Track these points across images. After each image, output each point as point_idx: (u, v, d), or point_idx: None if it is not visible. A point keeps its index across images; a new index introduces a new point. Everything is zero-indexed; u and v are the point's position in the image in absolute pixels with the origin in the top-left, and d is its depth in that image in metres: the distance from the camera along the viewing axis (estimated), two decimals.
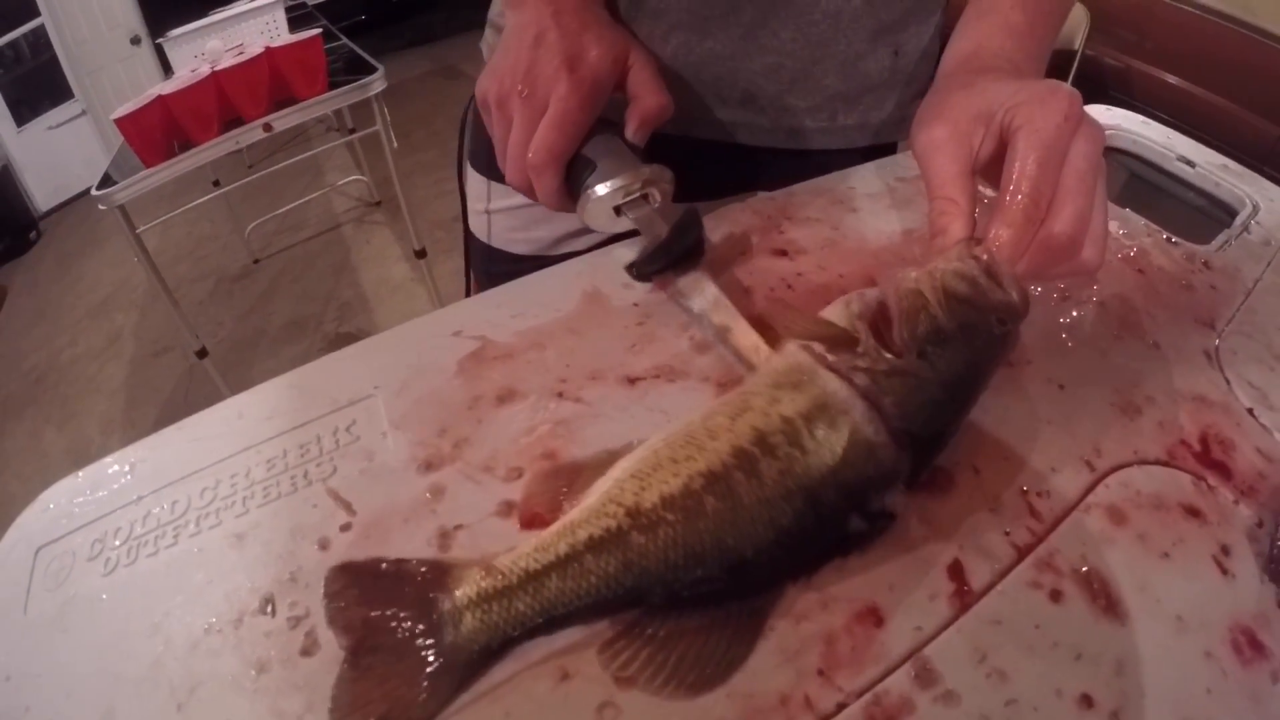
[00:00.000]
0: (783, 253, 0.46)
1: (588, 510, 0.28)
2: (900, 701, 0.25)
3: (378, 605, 0.28)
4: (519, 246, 0.66)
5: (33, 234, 3.00)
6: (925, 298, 0.31)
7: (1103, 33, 2.41)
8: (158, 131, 1.30)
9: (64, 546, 0.36)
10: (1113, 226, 0.51)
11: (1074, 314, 0.42)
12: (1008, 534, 0.29)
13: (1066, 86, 0.35)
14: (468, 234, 0.70)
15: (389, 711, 0.26)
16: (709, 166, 0.62)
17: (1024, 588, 0.28)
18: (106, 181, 1.40)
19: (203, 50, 1.85)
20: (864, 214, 0.48)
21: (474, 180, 0.67)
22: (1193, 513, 0.32)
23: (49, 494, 0.39)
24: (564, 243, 0.64)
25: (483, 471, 0.32)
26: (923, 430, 0.29)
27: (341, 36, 1.63)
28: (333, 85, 1.44)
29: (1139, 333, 0.41)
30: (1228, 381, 0.40)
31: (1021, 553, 0.29)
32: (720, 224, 0.48)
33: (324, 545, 0.31)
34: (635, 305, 0.42)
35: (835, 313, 0.32)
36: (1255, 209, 0.59)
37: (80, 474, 0.40)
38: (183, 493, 0.37)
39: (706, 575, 0.26)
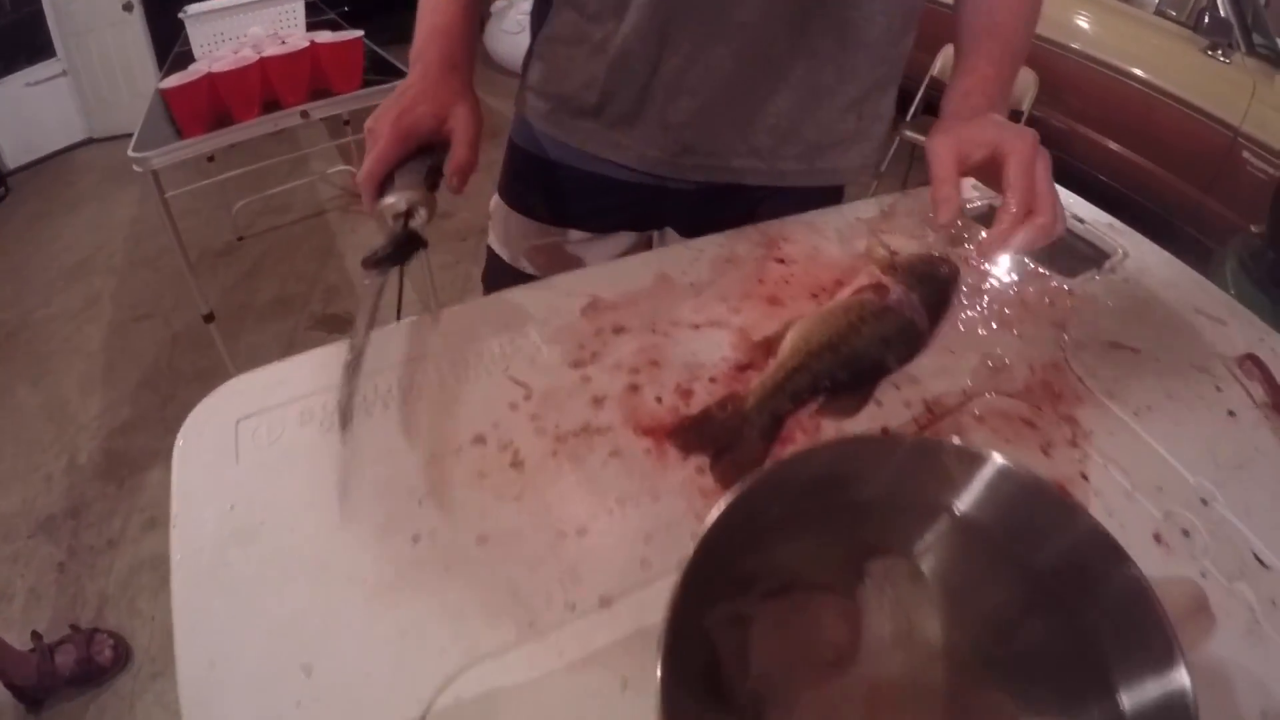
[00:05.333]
0: (781, 260, 0.70)
1: (785, 357, 0.54)
2: None
3: (711, 435, 0.51)
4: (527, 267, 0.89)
5: (0, 190, 3.06)
6: (919, 256, 0.58)
7: (1051, 97, 2.77)
8: (203, 105, 1.47)
9: (267, 418, 0.51)
10: (1005, 268, 0.77)
11: (968, 314, 0.67)
12: (915, 420, 0.54)
13: (1031, 130, 0.59)
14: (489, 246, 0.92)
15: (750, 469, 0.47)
16: (720, 203, 0.82)
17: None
18: (141, 145, 1.53)
19: (220, 30, 2.01)
20: (832, 241, 0.74)
21: (496, 205, 0.89)
22: (1029, 423, 0.57)
23: (237, 381, 0.55)
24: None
25: (613, 369, 0.55)
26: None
27: (369, 42, 1.82)
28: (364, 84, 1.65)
29: (1009, 328, 0.66)
30: (1066, 360, 0.66)
31: (921, 427, 0.53)
32: (739, 242, 0.72)
33: (514, 407, 0.53)
34: (691, 284, 0.65)
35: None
36: (1125, 255, 0.85)
37: (263, 370, 0.55)
38: (381, 380, 0.54)
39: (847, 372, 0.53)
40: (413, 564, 0.44)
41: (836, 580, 0.38)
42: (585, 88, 0.75)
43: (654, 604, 0.42)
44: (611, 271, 0.66)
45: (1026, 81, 2.42)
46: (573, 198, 0.84)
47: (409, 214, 0.57)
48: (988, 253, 0.64)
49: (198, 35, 2.00)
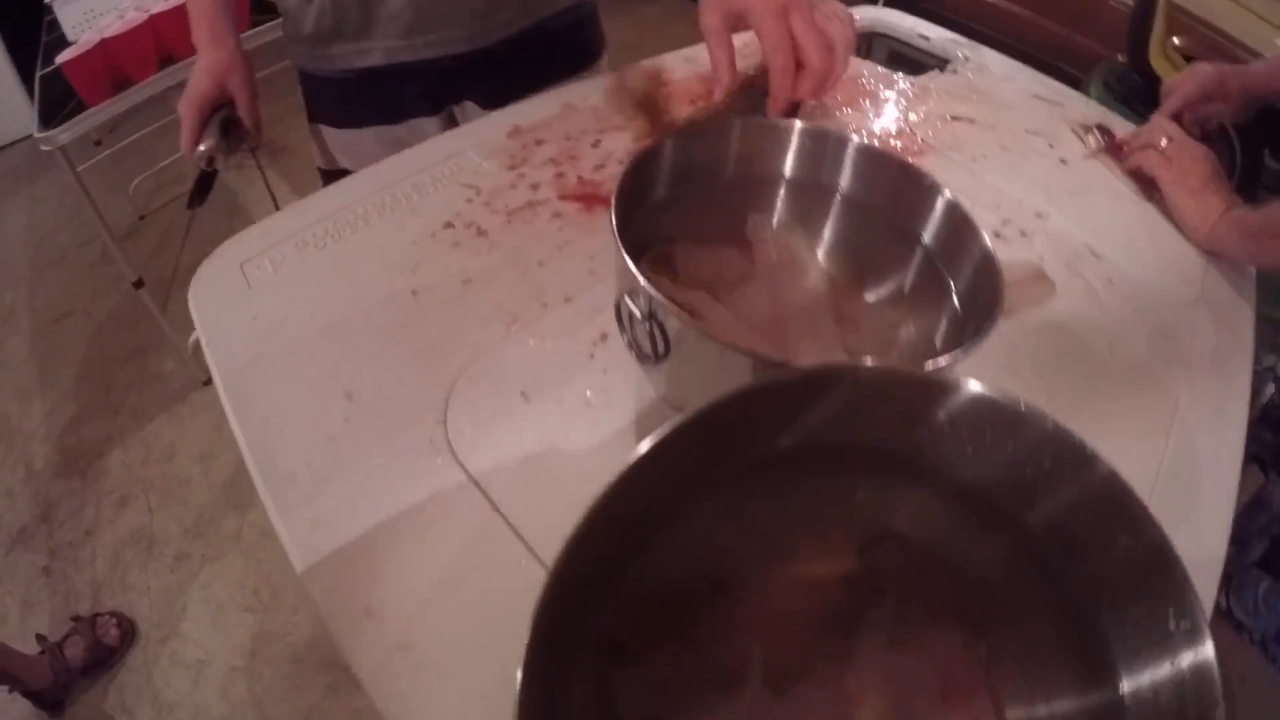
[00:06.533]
0: (665, 84, 0.87)
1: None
2: None
3: None
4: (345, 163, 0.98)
5: None
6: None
7: None
8: (101, 72, 1.53)
9: (268, 255, 0.62)
10: (863, 70, 0.94)
11: (823, 101, 0.85)
12: None
13: None
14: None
15: None
16: (494, 68, 0.89)
17: None
18: (43, 127, 1.57)
19: (91, 7, 2.03)
20: (704, 66, 0.88)
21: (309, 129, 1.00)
22: None
23: (227, 245, 0.66)
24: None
25: (541, 165, 0.71)
26: None
27: None
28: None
29: (863, 111, 0.84)
30: (910, 129, 0.84)
31: None
32: (628, 75, 0.88)
33: (470, 201, 0.68)
34: (592, 107, 0.81)
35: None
36: (966, 60, 1.03)
37: (250, 229, 0.67)
38: (360, 207, 0.67)
39: None
40: (417, 308, 0.59)
41: (730, 231, 0.55)
42: (319, 19, 0.84)
43: (604, 296, 0.58)
44: (524, 108, 0.82)
45: None
46: (363, 101, 0.92)
47: (211, 159, 0.80)
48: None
49: (69, 18, 2.00)
